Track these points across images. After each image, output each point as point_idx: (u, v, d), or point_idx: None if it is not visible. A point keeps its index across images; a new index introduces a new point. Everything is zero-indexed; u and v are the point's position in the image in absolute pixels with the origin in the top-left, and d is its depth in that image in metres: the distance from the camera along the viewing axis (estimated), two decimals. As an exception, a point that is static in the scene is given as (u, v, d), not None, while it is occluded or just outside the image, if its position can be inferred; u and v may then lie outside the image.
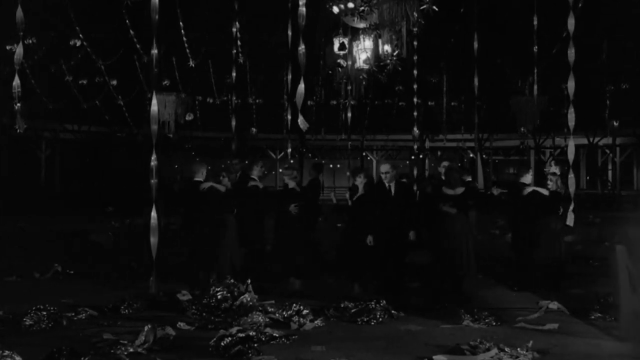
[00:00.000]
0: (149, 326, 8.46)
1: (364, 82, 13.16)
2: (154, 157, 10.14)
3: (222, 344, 8.09)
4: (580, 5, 15.31)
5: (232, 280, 10.39)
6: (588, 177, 45.68)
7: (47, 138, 38.88)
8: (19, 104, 10.41)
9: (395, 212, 11.71)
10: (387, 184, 11.90)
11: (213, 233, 12.17)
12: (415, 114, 18.62)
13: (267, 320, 9.41)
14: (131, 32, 24.77)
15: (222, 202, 12.24)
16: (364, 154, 44.69)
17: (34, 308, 9.45)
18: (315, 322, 9.54)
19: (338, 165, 46.17)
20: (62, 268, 13.89)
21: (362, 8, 11.56)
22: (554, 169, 13.47)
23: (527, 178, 12.70)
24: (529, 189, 12.35)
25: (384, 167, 12.13)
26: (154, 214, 10.21)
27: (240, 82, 27.38)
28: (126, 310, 10.24)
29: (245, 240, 13.60)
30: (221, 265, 12.01)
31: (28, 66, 24.95)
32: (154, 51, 10.80)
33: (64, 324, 9.43)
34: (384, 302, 10.09)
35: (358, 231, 11.80)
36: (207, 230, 12.18)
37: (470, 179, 14.43)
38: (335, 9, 11.79)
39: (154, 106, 10.35)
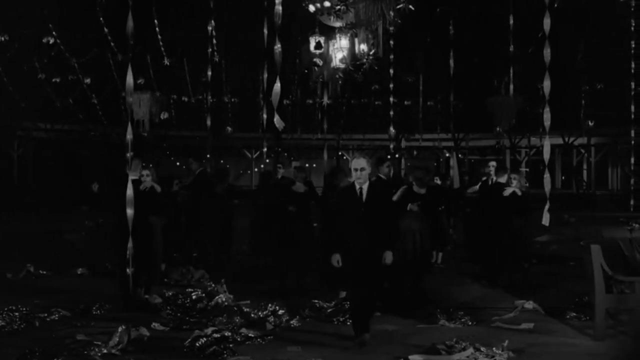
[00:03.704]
0: (123, 327, 8.39)
1: (340, 81, 13.12)
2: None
3: (197, 344, 8.03)
4: (556, 5, 15.41)
5: (210, 282, 10.35)
6: (563, 177, 45.96)
7: (20, 136, 38.48)
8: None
9: (366, 226, 8.52)
10: (357, 187, 8.66)
11: (145, 237, 10.92)
12: (391, 113, 18.64)
13: (243, 320, 9.35)
14: (105, 29, 24.63)
15: (159, 204, 11.46)
16: (340, 153, 44.67)
17: (5, 309, 9.35)
18: (291, 322, 9.51)
19: (314, 165, 46.08)
20: (35, 268, 13.73)
21: (339, 7, 11.55)
22: (491, 169, 13.74)
23: (504, 178, 12.80)
24: (510, 190, 12.43)
25: (358, 162, 8.63)
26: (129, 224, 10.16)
27: (215, 81, 27.26)
28: (99, 311, 10.14)
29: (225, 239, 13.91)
30: (154, 272, 11.51)
31: (0, 64, 24.71)
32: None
33: (37, 325, 9.32)
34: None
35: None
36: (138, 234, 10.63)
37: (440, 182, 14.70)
38: (312, 8, 11.76)
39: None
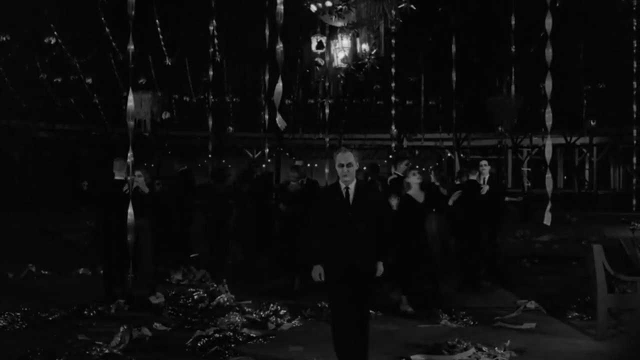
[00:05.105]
0: (125, 327, 8.40)
1: (341, 81, 13.09)
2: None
3: (199, 344, 8.04)
4: (557, 4, 15.39)
5: (212, 282, 10.37)
6: (565, 177, 45.92)
7: (20, 136, 38.44)
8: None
9: (353, 234, 7.05)
10: (343, 187, 7.18)
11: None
12: (393, 112, 18.62)
13: (244, 320, 9.33)
14: (106, 29, 24.60)
15: (146, 206, 11.08)
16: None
17: (7, 309, 9.32)
18: (293, 322, 9.50)
19: (315, 165, 46.08)
20: (36, 268, 13.73)
21: (340, 7, 11.51)
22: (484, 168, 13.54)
23: (476, 176, 12.70)
24: (486, 188, 12.39)
25: (344, 157, 7.14)
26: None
27: (217, 81, 27.27)
28: (101, 311, 10.12)
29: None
30: (144, 274, 11.26)
31: (1, 64, 24.69)
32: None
33: (38, 324, 9.31)
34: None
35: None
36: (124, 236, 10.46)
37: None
38: (313, 8, 11.72)
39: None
